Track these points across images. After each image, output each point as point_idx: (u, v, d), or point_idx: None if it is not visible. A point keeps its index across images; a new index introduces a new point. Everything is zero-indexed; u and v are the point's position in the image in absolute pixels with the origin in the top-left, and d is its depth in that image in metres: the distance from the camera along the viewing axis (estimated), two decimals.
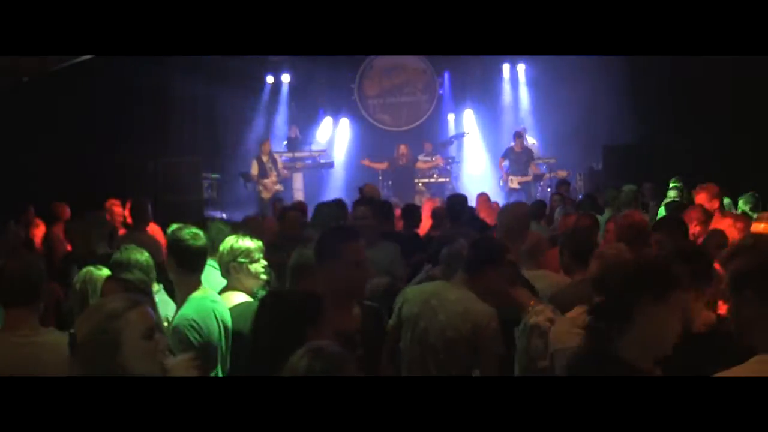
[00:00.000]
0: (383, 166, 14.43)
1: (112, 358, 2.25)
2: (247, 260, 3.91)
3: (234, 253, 3.91)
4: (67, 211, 7.51)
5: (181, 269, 3.73)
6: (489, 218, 8.05)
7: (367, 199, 6.20)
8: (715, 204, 6.10)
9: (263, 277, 3.99)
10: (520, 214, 4.75)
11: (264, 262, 4.00)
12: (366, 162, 14.57)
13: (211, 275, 4.21)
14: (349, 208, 5.94)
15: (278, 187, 13.63)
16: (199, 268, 3.75)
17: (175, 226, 4.03)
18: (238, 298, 3.87)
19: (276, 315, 2.67)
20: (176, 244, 3.74)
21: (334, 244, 3.16)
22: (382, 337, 3.42)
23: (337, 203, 6.27)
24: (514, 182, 13.38)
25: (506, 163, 13.61)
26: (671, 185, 7.88)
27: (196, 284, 3.71)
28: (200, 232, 3.83)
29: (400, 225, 7.09)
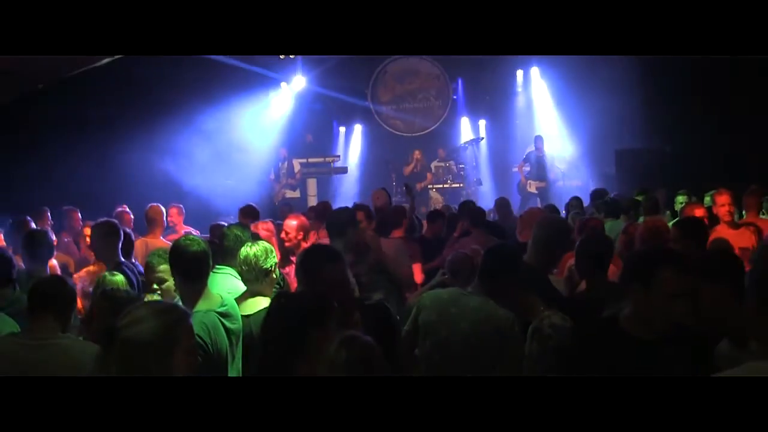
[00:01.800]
0: (410, 169, 14.51)
1: (160, 362, 2.26)
2: (267, 266, 3.91)
3: (249, 261, 3.89)
4: (78, 217, 7.53)
5: (181, 277, 3.62)
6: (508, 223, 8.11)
7: (362, 205, 6.51)
8: (732, 208, 6.20)
9: (280, 283, 3.99)
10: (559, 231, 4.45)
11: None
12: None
13: (230, 282, 4.22)
14: None
15: (285, 191, 13.68)
16: (198, 275, 3.59)
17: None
18: (262, 303, 3.83)
19: (284, 315, 2.68)
20: (173, 251, 3.66)
21: (313, 265, 3.18)
22: (390, 335, 3.34)
23: (348, 210, 6.38)
24: (533, 186, 13.39)
25: (527, 167, 13.61)
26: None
27: (199, 293, 3.56)
28: (197, 238, 3.72)
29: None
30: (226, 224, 5.52)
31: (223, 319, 3.48)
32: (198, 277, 3.59)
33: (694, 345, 2.81)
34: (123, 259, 5.15)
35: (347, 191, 15.05)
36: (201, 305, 3.49)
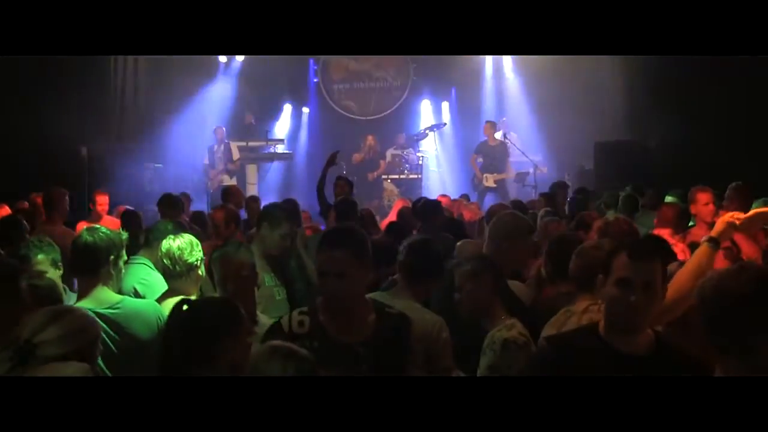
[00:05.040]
0: (360, 158, 14.35)
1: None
2: (192, 260, 3.90)
3: (173, 254, 3.89)
4: None
5: (72, 271, 3.64)
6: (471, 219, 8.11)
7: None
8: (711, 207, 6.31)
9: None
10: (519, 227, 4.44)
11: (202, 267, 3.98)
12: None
13: (143, 272, 4.35)
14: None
15: (223, 177, 13.51)
16: (88, 269, 3.60)
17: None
18: None
19: (188, 322, 2.68)
20: (72, 241, 3.66)
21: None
22: (402, 351, 3.14)
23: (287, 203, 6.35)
24: (490, 180, 13.24)
25: (480, 159, 13.48)
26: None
27: (87, 290, 3.57)
28: (99, 229, 3.70)
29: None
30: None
31: (102, 322, 3.33)
32: (88, 272, 3.60)
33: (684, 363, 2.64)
34: None
35: (292, 180, 14.91)
36: (85, 303, 3.47)
